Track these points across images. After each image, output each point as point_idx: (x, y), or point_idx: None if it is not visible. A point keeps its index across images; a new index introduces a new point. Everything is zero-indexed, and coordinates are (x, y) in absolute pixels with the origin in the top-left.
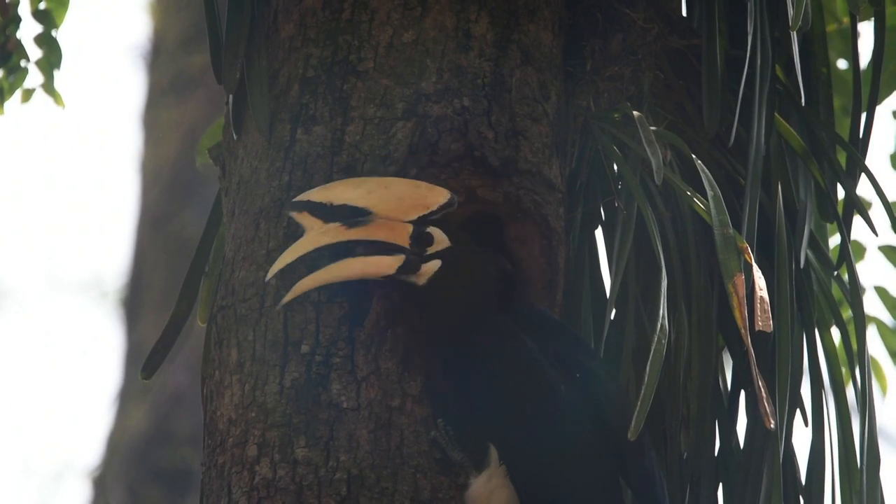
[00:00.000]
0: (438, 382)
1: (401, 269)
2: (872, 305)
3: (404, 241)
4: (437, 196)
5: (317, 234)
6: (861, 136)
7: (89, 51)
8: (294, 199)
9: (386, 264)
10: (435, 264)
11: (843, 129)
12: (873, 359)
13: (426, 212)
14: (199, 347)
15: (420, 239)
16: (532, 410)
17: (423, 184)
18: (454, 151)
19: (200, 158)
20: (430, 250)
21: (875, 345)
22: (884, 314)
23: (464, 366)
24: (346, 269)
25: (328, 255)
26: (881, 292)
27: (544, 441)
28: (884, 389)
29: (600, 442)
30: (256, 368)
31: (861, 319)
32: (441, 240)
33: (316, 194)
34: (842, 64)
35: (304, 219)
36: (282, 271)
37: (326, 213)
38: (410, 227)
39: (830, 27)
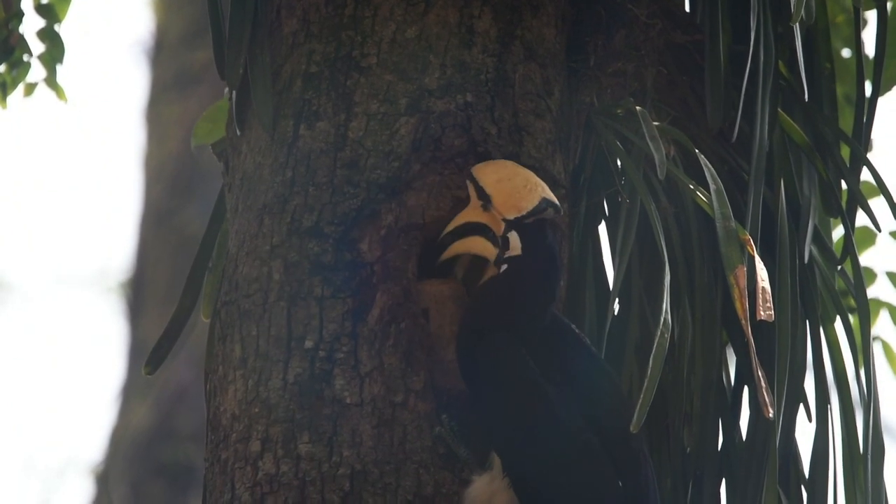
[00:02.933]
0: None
1: (495, 261)
2: (884, 291)
3: (499, 235)
4: (531, 199)
5: (471, 209)
6: (864, 129)
7: (92, 46)
8: (472, 168)
9: (491, 252)
10: (500, 268)
11: (848, 118)
12: (885, 343)
13: (518, 214)
14: (203, 343)
15: (504, 240)
16: (530, 431)
17: (531, 183)
18: (457, 147)
19: (195, 140)
20: (507, 254)
21: (887, 329)
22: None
23: (470, 375)
24: (473, 245)
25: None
26: (893, 277)
27: (543, 460)
28: None
29: (599, 456)
30: (260, 364)
31: (865, 313)
32: (515, 247)
33: (478, 170)
34: (846, 53)
35: (470, 189)
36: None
37: (478, 189)
38: (503, 226)
39: (839, 18)
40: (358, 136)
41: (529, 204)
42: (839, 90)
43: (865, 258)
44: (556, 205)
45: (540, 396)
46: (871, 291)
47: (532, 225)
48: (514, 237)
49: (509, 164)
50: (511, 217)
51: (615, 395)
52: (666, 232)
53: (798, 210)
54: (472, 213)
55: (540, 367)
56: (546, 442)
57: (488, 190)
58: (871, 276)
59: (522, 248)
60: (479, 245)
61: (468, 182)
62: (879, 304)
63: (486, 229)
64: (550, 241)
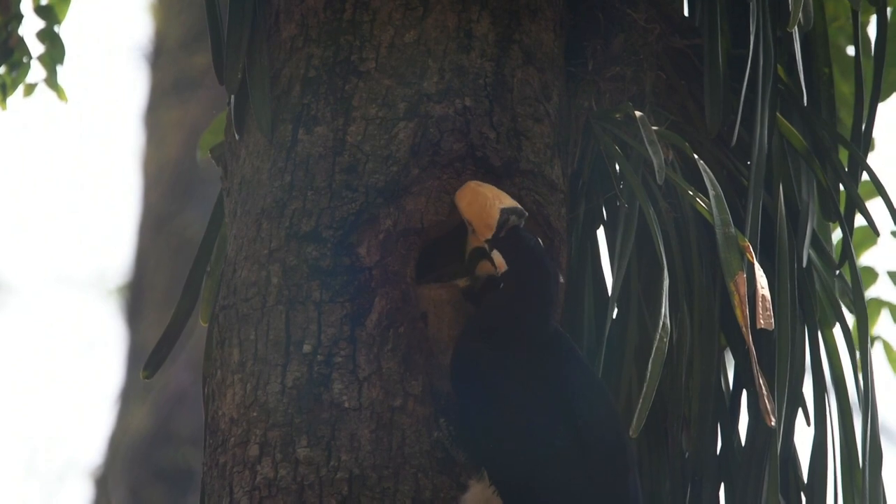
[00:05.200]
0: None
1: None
2: (886, 290)
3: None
4: (494, 214)
5: (470, 236)
6: (863, 134)
7: (91, 51)
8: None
9: (492, 271)
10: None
11: (848, 117)
12: (885, 342)
13: (491, 233)
14: (201, 347)
15: (492, 261)
16: (508, 442)
17: (491, 198)
18: (456, 151)
19: (202, 153)
20: (500, 272)
21: (888, 329)
22: None
23: (454, 383)
24: (484, 268)
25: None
26: (895, 277)
27: (524, 470)
28: None
29: (581, 467)
30: (258, 368)
31: (863, 318)
32: (500, 264)
33: (456, 198)
34: (850, 50)
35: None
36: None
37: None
38: (483, 239)
39: (840, 23)
40: (356, 140)
41: (493, 220)
42: (844, 87)
43: (867, 258)
44: (517, 210)
45: (517, 407)
46: (873, 291)
47: (507, 238)
48: (496, 256)
49: (472, 185)
50: (489, 237)
51: (605, 408)
52: (664, 236)
53: (797, 214)
54: (471, 240)
55: (526, 379)
56: (525, 453)
57: (465, 216)
58: (873, 275)
59: (507, 264)
60: (486, 268)
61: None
62: (881, 303)
63: (483, 252)
64: (531, 247)
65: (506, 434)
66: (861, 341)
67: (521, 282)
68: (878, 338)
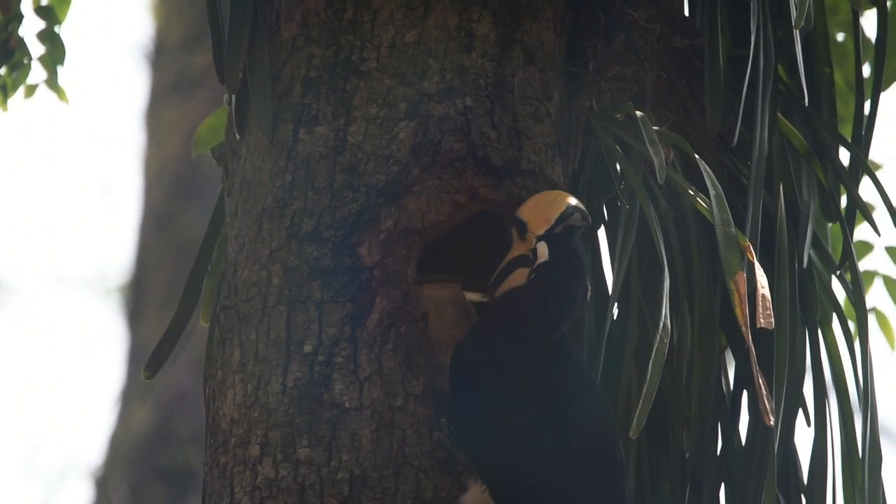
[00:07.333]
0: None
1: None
2: (881, 263)
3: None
4: (557, 209)
5: (513, 248)
6: (864, 133)
7: (92, 50)
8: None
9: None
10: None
11: (848, 107)
12: (879, 312)
13: (547, 227)
14: (202, 347)
15: (533, 252)
16: (499, 450)
17: (560, 197)
18: (457, 151)
19: (196, 149)
20: (536, 264)
21: (882, 299)
22: (893, 271)
23: (451, 385)
24: (516, 279)
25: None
26: (891, 251)
27: (512, 476)
28: (891, 343)
29: (572, 475)
30: (259, 368)
31: (863, 318)
32: (542, 255)
33: (519, 209)
34: (840, 36)
35: (512, 232)
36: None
37: (516, 223)
38: (533, 241)
39: (838, 17)
40: (357, 140)
41: (555, 214)
42: (838, 77)
43: (860, 233)
44: (582, 210)
45: (509, 410)
46: (867, 262)
47: (561, 233)
48: (542, 246)
49: (546, 191)
50: (541, 232)
51: (600, 415)
52: (665, 236)
53: (797, 215)
54: (512, 252)
55: (522, 382)
56: (514, 455)
57: (524, 218)
58: (868, 248)
59: (549, 255)
60: (520, 276)
61: (511, 228)
62: (874, 274)
63: (523, 259)
64: (579, 249)
65: (496, 436)
66: (861, 341)
67: (555, 274)
68: (872, 309)
